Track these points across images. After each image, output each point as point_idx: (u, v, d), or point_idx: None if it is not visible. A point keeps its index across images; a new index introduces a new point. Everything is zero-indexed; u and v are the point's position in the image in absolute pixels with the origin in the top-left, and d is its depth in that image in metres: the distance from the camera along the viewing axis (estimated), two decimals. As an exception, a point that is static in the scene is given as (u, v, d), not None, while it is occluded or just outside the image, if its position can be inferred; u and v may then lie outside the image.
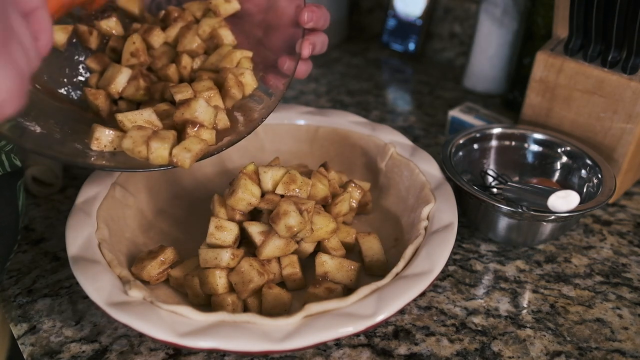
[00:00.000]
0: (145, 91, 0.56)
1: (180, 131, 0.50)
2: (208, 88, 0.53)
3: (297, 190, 0.51)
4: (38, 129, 0.48)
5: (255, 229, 0.50)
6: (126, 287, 0.44)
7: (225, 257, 0.48)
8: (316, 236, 0.52)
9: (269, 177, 0.51)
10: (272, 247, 0.50)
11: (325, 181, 0.55)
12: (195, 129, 0.49)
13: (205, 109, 0.49)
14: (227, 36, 0.59)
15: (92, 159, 0.49)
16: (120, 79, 0.56)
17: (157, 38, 0.59)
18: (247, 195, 0.50)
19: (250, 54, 0.58)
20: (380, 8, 1.13)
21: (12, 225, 0.53)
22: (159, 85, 0.57)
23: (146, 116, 0.51)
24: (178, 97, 0.52)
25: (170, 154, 0.48)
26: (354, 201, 0.57)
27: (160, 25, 0.60)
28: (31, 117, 0.49)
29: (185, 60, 0.58)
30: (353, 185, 0.57)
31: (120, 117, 0.50)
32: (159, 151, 0.47)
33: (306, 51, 0.55)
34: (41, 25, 0.34)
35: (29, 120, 0.48)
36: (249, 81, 0.56)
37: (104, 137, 0.50)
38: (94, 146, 0.50)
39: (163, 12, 0.61)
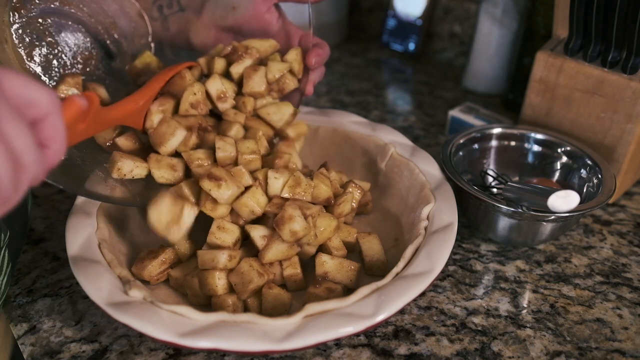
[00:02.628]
0: (194, 146, 0.55)
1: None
2: (252, 151, 0.53)
3: (302, 193, 0.51)
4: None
5: (257, 233, 0.50)
6: (126, 287, 0.44)
7: (222, 259, 0.48)
8: (320, 240, 0.52)
9: (280, 183, 0.51)
10: (275, 251, 0.50)
11: (328, 182, 0.55)
12: (211, 205, 0.49)
13: (229, 196, 0.49)
14: (290, 84, 0.59)
15: (110, 188, 0.52)
16: (173, 142, 0.53)
17: (218, 85, 0.56)
18: (251, 203, 0.50)
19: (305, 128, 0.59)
20: (380, 8, 1.13)
21: (22, 230, 0.53)
22: (210, 137, 0.55)
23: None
24: (220, 155, 0.51)
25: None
26: (354, 202, 0.57)
27: (224, 60, 0.58)
28: None
29: (249, 103, 0.57)
30: (353, 185, 0.57)
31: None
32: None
33: (310, 89, 0.61)
34: (52, 132, 0.31)
35: None
36: (295, 163, 0.58)
37: (125, 167, 0.51)
38: (115, 175, 0.52)
39: (229, 48, 0.58)
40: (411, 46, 1.06)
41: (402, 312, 0.52)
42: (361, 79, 0.99)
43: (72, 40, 0.59)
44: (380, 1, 1.12)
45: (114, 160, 0.51)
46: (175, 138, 0.53)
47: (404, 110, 0.90)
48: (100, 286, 0.44)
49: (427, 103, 0.92)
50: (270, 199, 0.51)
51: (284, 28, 0.61)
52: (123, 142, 0.54)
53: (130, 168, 0.52)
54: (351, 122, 0.66)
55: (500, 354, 0.48)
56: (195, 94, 0.55)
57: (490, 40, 0.88)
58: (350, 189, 0.57)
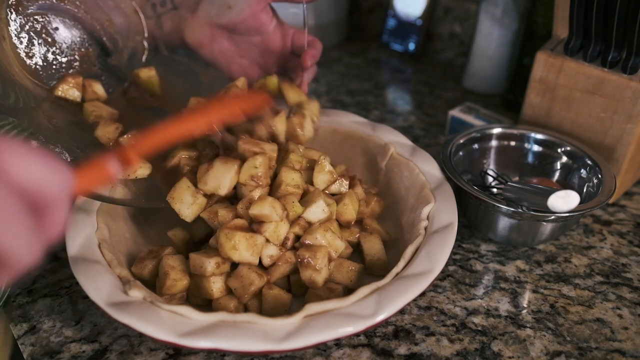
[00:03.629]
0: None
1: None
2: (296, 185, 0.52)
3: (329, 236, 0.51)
4: (68, 158, 0.50)
5: (265, 252, 0.50)
6: (126, 287, 0.44)
7: (210, 266, 0.48)
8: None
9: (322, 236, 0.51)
10: (282, 271, 0.50)
11: (357, 205, 0.55)
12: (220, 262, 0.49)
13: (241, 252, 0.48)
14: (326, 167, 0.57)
15: (112, 187, 0.52)
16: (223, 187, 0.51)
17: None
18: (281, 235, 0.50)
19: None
20: (380, 8, 1.13)
21: None
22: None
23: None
24: (254, 211, 0.49)
25: None
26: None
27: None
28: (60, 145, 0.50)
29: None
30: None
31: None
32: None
33: (304, 89, 0.61)
34: (52, 221, 0.29)
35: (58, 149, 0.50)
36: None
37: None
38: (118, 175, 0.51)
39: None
40: (411, 46, 1.06)
41: (402, 312, 0.52)
42: (361, 79, 0.99)
43: (69, 37, 0.59)
44: (380, 1, 1.12)
45: None
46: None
47: (404, 110, 0.90)
48: (100, 286, 0.44)
49: (427, 103, 0.92)
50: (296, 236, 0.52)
51: (278, 27, 0.62)
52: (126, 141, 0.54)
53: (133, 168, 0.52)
54: (351, 122, 0.66)
55: (500, 354, 0.48)
56: (256, 167, 0.51)
57: (490, 40, 0.88)
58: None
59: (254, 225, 0.49)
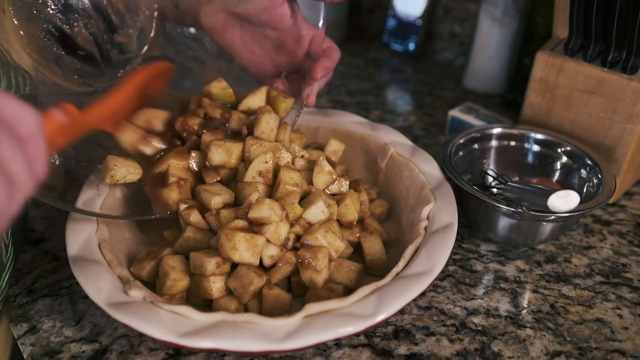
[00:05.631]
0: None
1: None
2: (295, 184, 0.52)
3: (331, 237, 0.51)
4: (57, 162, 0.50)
5: (266, 253, 0.50)
6: (126, 287, 0.44)
7: (210, 266, 0.48)
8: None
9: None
10: (282, 273, 0.50)
11: (358, 206, 0.55)
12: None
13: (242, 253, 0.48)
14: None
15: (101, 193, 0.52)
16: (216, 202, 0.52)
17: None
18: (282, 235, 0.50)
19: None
20: (380, 8, 1.13)
21: (21, 229, 0.53)
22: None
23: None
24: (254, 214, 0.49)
25: None
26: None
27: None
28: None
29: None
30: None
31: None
32: None
33: (312, 100, 0.60)
34: (36, 152, 0.32)
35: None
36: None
37: (118, 174, 0.51)
38: (108, 181, 0.52)
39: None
40: (411, 46, 1.06)
41: (402, 312, 0.52)
42: (361, 79, 0.99)
43: (72, 10, 0.58)
44: (380, 1, 1.12)
45: (107, 167, 0.51)
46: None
47: (404, 110, 0.90)
48: (100, 286, 0.44)
49: (427, 103, 0.92)
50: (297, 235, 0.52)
51: (296, 25, 0.59)
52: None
53: (123, 174, 0.52)
54: (351, 122, 0.66)
55: (500, 354, 0.48)
56: (266, 162, 0.52)
57: (490, 40, 0.88)
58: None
59: (254, 227, 0.49)
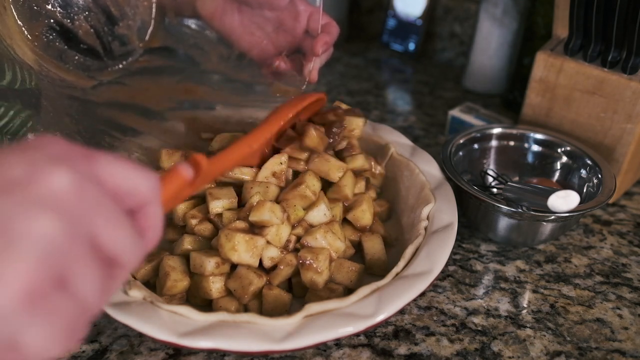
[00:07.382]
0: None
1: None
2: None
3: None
4: None
5: (266, 254, 0.50)
6: (126, 287, 0.44)
7: (209, 266, 0.48)
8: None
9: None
10: (283, 275, 0.50)
11: (372, 210, 0.55)
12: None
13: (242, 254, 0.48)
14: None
15: None
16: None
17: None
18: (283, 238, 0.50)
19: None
20: (380, 8, 1.13)
21: None
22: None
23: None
24: (254, 218, 0.49)
25: None
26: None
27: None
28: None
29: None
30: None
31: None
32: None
33: (314, 76, 0.60)
34: (150, 222, 0.30)
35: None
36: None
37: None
38: None
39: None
40: (411, 46, 1.06)
41: (402, 312, 0.52)
42: (361, 79, 0.99)
43: (72, 3, 0.57)
44: (380, 1, 1.12)
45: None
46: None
47: (404, 110, 0.90)
48: (100, 286, 0.44)
49: (427, 103, 0.92)
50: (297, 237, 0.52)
51: (293, 3, 0.59)
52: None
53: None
54: (351, 122, 0.66)
55: (500, 354, 0.48)
56: (281, 163, 0.53)
57: (490, 40, 0.88)
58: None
59: (256, 229, 0.49)
